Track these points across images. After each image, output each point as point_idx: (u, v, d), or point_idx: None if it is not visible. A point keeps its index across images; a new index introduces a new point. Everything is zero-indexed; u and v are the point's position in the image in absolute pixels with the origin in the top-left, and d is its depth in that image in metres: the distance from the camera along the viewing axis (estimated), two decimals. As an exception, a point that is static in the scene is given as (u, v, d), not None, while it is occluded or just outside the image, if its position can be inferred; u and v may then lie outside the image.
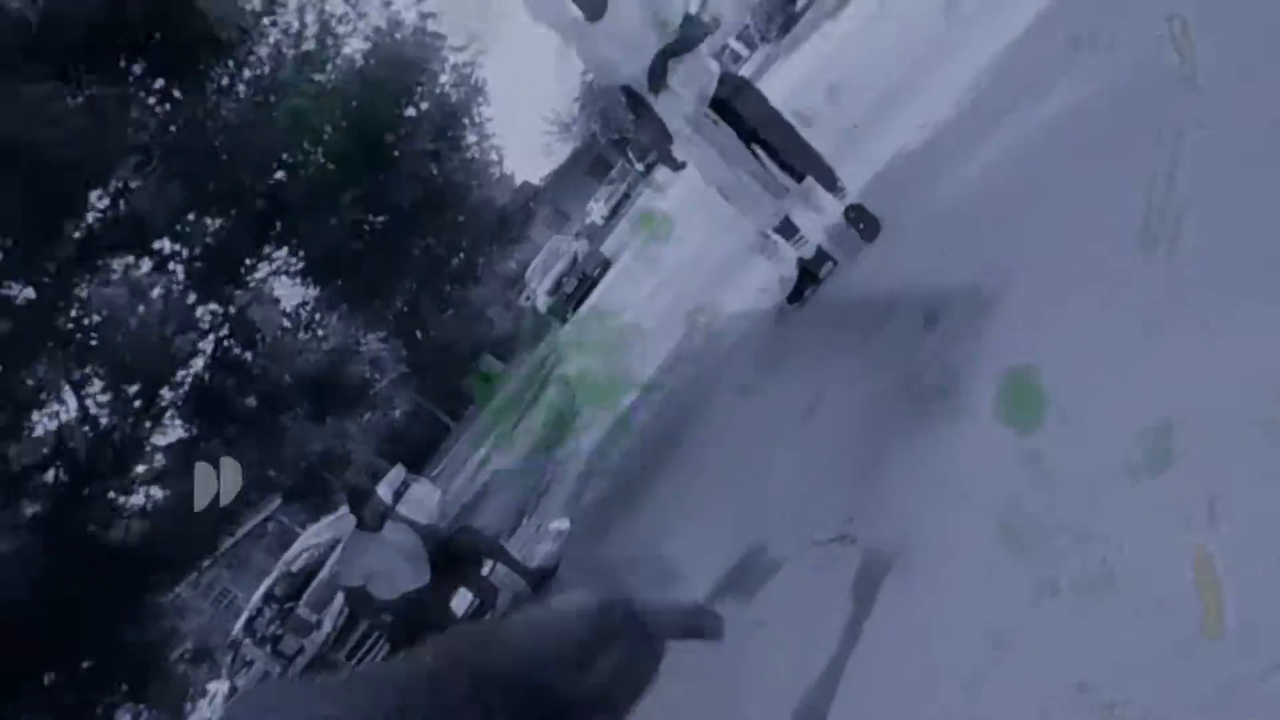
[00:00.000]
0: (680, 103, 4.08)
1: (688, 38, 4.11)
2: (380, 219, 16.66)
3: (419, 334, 21.16)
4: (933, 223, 3.78)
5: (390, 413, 31.11)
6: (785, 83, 11.55)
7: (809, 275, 4.44)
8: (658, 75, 4.02)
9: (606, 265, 21.20)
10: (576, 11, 4.18)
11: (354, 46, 16.01)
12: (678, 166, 4.64)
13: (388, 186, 15.68)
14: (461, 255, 19.51)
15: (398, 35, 16.71)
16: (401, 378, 25.57)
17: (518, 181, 60.13)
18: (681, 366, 6.14)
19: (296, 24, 15.09)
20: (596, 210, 41.61)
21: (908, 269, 3.64)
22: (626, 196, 38.26)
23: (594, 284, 20.42)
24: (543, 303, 21.04)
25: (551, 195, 53.44)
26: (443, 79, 17.92)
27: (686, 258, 9.98)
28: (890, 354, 3.09)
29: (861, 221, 4.23)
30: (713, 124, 4.19)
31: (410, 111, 16.89)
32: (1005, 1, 5.25)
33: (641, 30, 4.11)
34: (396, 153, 16.07)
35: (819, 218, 4.41)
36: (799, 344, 4.19)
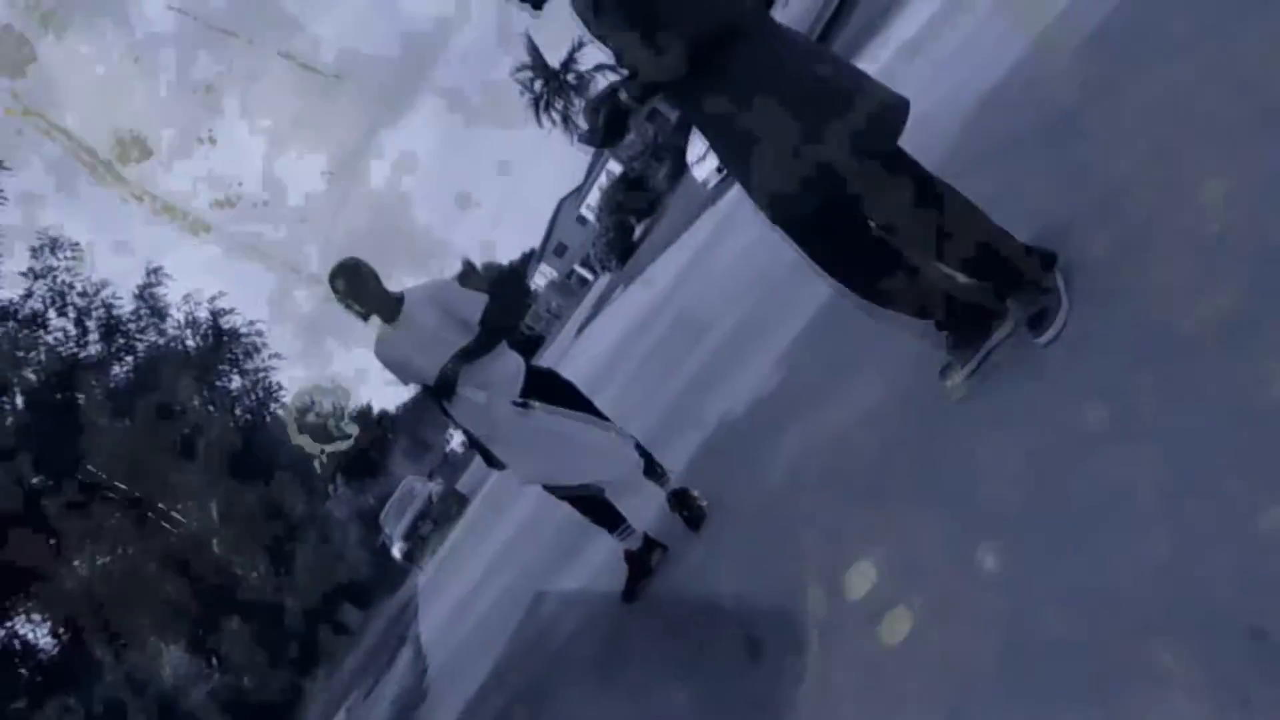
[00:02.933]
0: (479, 407, 3.87)
1: (488, 339, 3.96)
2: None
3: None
4: (764, 513, 3.57)
5: (239, 679, 28.37)
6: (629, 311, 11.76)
7: (639, 566, 4.16)
8: (448, 383, 3.81)
9: (464, 502, 20.54)
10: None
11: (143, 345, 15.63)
12: (502, 466, 4.36)
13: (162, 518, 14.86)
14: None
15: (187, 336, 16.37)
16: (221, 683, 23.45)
17: (375, 412, 59.12)
18: (525, 652, 5.65)
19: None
20: (457, 438, 40.98)
21: (733, 572, 3.40)
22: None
23: (452, 524, 19.65)
24: (399, 549, 20.02)
25: (409, 423, 52.63)
26: (234, 384, 17.64)
27: (521, 531, 9.61)
28: (711, 699, 2.78)
29: (685, 509, 4.03)
30: (521, 413, 3.97)
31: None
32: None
33: (439, 332, 3.94)
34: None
35: (643, 504, 4.20)
36: (631, 652, 3.84)
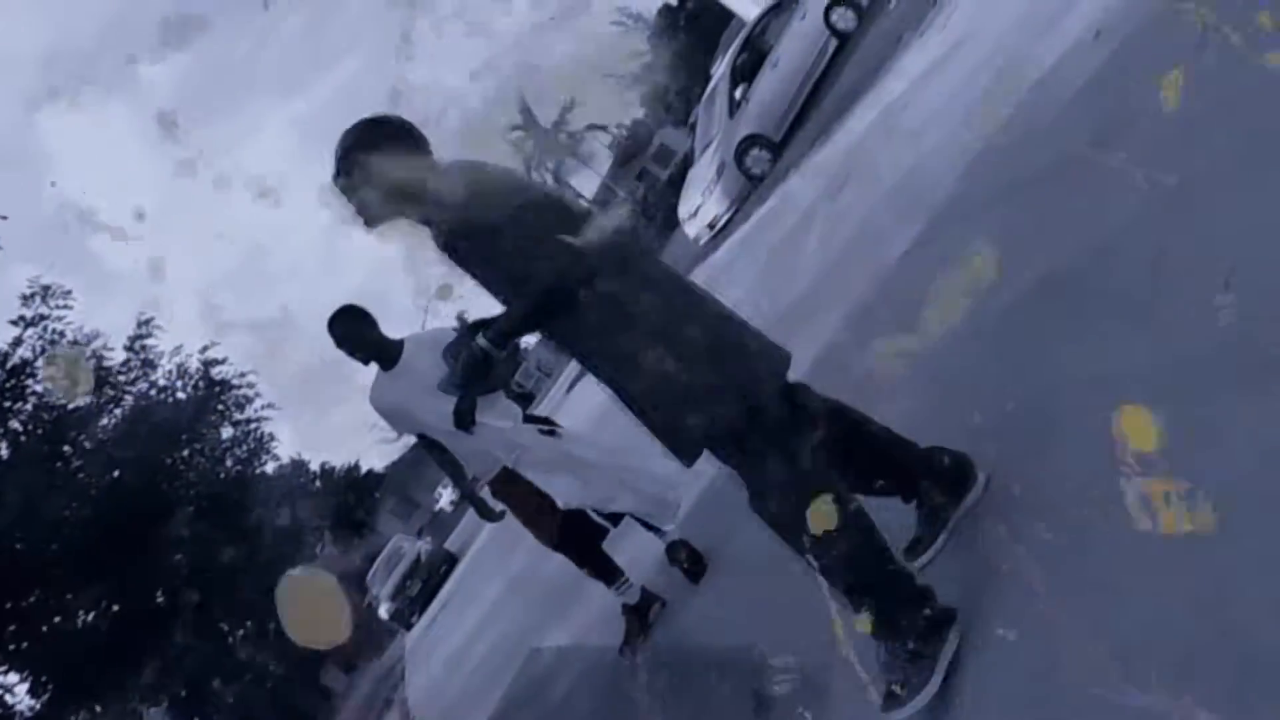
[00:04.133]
0: (503, 432, 3.78)
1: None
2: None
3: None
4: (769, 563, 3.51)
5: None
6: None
7: (637, 620, 4.07)
8: (467, 413, 3.68)
9: (454, 561, 20.24)
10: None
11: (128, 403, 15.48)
12: (497, 517, 4.26)
13: (145, 571, 14.59)
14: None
15: (177, 387, 16.20)
16: None
17: (363, 470, 58.59)
18: (518, 712, 5.51)
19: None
20: (445, 496, 40.50)
21: (737, 625, 3.32)
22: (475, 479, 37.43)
23: (440, 584, 19.33)
24: (386, 609, 19.65)
25: (398, 482, 52.11)
26: (224, 434, 17.45)
27: (512, 587, 9.44)
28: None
29: (686, 560, 3.96)
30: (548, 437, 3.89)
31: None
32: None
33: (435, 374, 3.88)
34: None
35: (640, 556, 4.13)
36: (631, 709, 3.73)
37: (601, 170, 49.58)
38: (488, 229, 2.14)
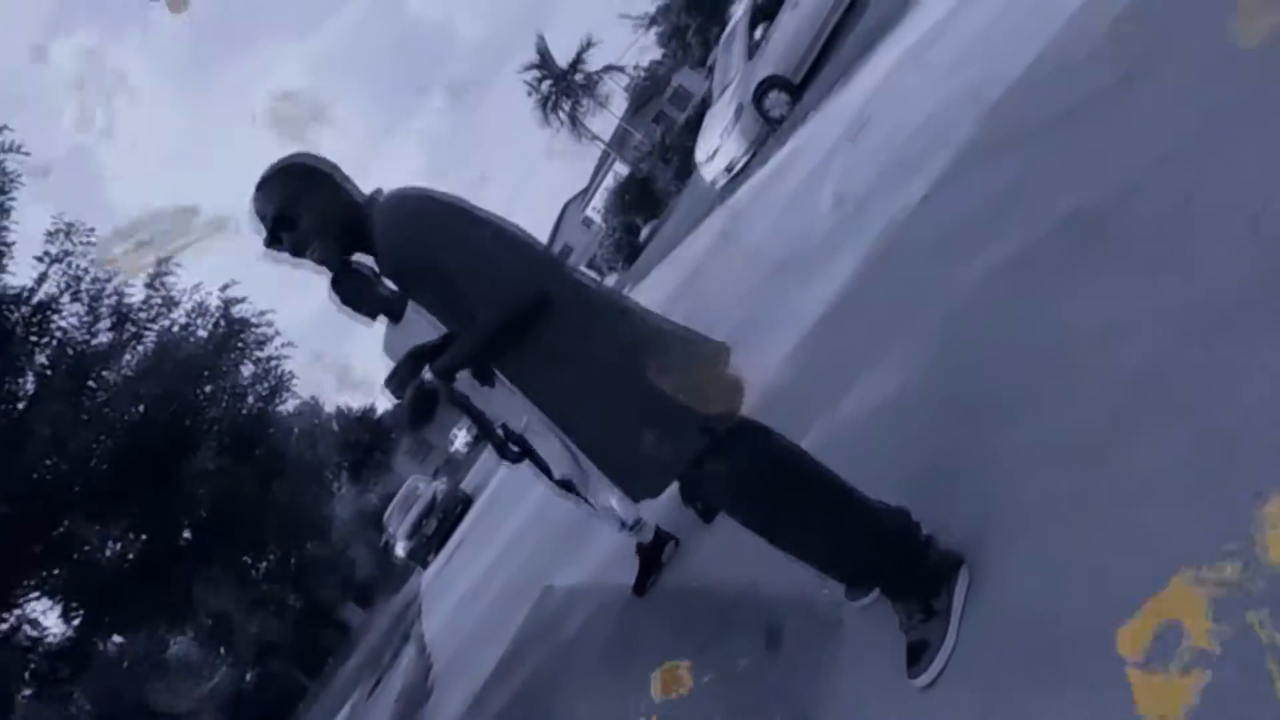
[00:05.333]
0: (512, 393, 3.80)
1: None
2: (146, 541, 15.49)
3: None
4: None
5: (242, 674, 28.36)
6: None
7: (650, 560, 4.13)
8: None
9: (469, 502, 20.48)
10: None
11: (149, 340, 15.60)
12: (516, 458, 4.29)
13: (170, 504, 14.83)
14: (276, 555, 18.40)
15: (198, 325, 16.28)
16: (230, 670, 23.45)
17: (378, 412, 59.20)
18: (532, 646, 5.61)
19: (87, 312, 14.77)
20: (460, 438, 40.90)
21: (750, 561, 3.35)
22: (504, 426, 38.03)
23: (456, 523, 19.59)
24: (402, 547, 19.98)
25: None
26: (244, 372, 17.55)
27: (526, 527, 9.55)
28: (730, 683, 2.74)
29: (699, 500, 3.98)
30: None
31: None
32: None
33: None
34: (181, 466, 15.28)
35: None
36: (641, 645, 3.80)
37: (618, 112, 49.00)
38: (429, 261, 2.08)
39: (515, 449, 4.18)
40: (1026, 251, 2.95)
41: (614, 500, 3.97)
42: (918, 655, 1.95)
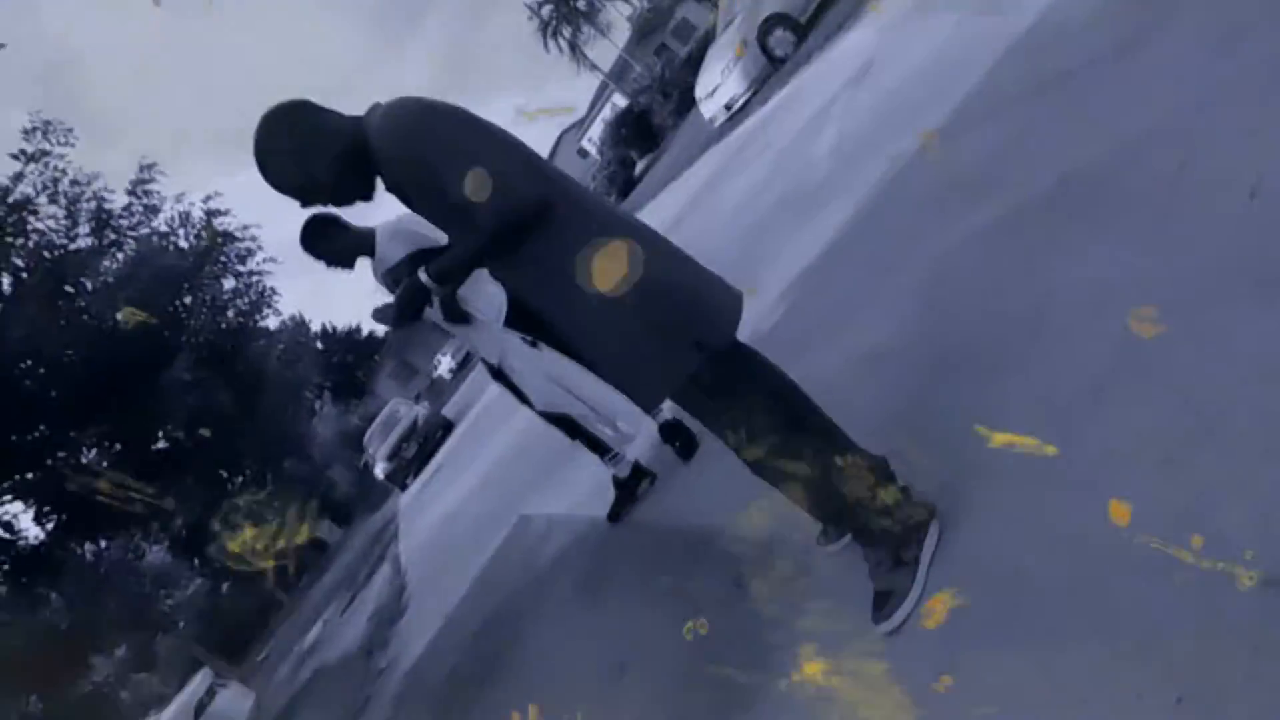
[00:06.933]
0: (487, 327, 3.83)
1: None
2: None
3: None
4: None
5: (217, 586, 28.70)
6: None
7: (626, 492, 4.18)
8: (454, 308, 3.68)
9: (450, 427, 20.55)
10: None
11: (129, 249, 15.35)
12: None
13: (146, 414, 14.75)
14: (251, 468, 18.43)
15: (180, 235, 16.02)
16: (205, 585, 23.65)
17: (363, 333, 58.94)
18: (506, 571, 5.70)
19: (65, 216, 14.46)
20: (444, 364, 40.85)
21: (724, 503, 3.40)
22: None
23: (436, 448, 19.68)
24: (381, 469, 20.08)
25: (397, 348, 52.51)
26: (226, 285, 17.35)
27: (506, 455, 9.60)
28: (700, 614, 2.79)
29: (677, 439, 4.02)
30: (530, 350, 3.92)
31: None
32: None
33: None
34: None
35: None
36: (615, 575, 3.86)
37: (620, 42, 48.03)
38: (429, 173, 2.04)
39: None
40: (1019, 210, 2.94)
41: (605, 428, 4.00)
42: (884, 602, 2.00)
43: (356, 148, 2.17)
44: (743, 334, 2.15)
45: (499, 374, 4.06)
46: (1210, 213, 2.07)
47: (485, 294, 3.85)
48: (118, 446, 15.69)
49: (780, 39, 12.29)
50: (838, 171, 5.52)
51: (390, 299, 3.96)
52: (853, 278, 4.00)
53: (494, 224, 2.02)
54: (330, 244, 3.93)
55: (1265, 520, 1.39)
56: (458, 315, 3.62)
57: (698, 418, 2.18)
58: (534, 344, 3.86)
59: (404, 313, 2.35)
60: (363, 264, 4.06)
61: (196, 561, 20.78)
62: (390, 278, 2.33)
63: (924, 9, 6.71)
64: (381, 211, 2.42)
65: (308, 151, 2.19)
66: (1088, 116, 3.05)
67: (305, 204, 2.30)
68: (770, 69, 12.42)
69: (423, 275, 2.20)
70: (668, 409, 4.08)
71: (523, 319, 3.79)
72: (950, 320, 2.84)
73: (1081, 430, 1.90)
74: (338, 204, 2.32)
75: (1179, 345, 1.84)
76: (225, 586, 28.52)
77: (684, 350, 2.03)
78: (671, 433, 4.02)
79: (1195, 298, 1.89)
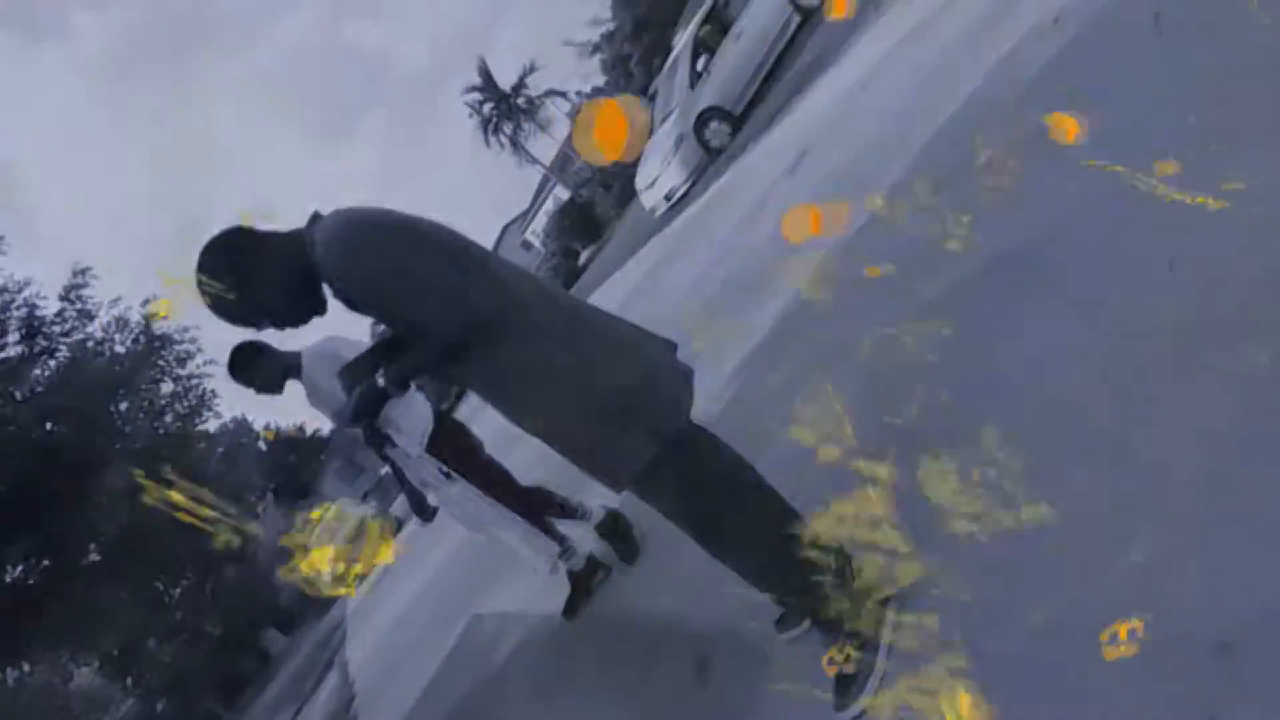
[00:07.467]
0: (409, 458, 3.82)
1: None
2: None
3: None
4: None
5: (154, 704, 27.23)
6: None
7: (581, 586, 4.09)
8: (376, 436, 3.61)
9: (398, 526, 20.06)
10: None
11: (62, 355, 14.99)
12: (430, 517, 4.25)
13: (77, 525, 14.23)
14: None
15: (116, 340, 15.68)
16: (139, 700, 22.53)
17: (308, 432, 57.76)
18: (460, 674, 5.50)
19: None
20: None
21: (680, 593, 3.34)
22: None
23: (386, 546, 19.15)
24: (327, 573, 19.43)
25: (344, 446, 51.52)
26: (164, 389, 17.04)
27: (456, 553, 9.40)
28: (662, 713, 2.72)
29: (619, 539, 3.97)
30: (445, 480, 3.94)
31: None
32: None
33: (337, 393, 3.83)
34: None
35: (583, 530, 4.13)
36: (574, 673, 3.75)
37: (559, 137, 49.09)
38: (374, 289, 2.06)
39: (432, 507, 4.18)
40: (959, 288, 3.02)
41: (524, 547, 4.00)
42: (845, 688, 1.96)
43: (301, 268, 2.16)
44: (695, 412, 2.16)
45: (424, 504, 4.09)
46: (1132, 283, 2.14)
47: (411, 415, 3.86)
48: (45, 562, 14.99)
49: (716, 130, 12.68)
50: (778, 253, 5.63)
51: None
52: (802, 355, 4.03)
53: (447, 338, 2.05)
54: (257, 371, 3.98)
55: (1209, 589, 1.41)
56: (377, 441, 3.57)
57: (654, 504, 2.16)
58: (449, 476, 3.88)
59: (360, 411, 2.34)
60: (291, 386, 4.11)
61: (129, 680, 19.73)
62: (345, 376, 2.30)
63: (852, 100, 6.98)
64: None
65: (253, 281, 2.18)
66: (1014, 196, 3.16)
67: (259, 329, 2.30)
68: (708, 159, 12.77)
69: (381, 381, 2.21)
70: (599, 508, 4.03)
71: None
72: (894, 395, 2.87)
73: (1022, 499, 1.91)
74: (293, 325, 2.31)
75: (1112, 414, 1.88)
76: (160, 706, 27.12)
77: (640, 438, 2.04)
78: (612, 529, 3.97)
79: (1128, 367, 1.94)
